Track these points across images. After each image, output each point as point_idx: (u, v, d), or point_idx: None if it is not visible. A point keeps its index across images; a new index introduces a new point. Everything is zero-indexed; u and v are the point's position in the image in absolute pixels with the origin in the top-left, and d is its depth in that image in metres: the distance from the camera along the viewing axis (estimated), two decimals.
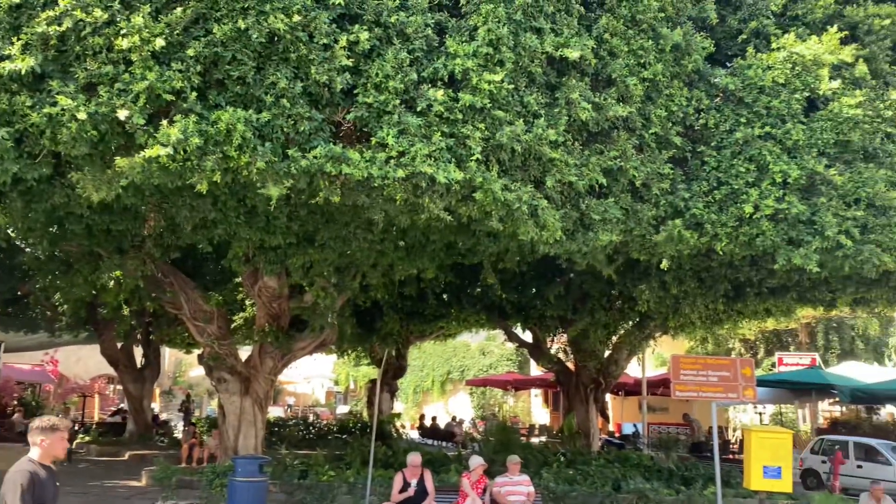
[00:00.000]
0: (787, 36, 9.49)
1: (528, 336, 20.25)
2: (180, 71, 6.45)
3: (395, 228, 9.48)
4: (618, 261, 10.96)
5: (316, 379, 49.46)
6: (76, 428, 22.23)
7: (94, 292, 14.20)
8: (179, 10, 6.49)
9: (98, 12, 6.24)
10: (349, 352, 24.54)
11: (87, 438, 21.27)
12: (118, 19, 6.32)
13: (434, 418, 27.30)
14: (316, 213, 9.01)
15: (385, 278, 12.51)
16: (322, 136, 6.98)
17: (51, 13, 6.18)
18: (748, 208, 9.01)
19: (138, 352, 23.34)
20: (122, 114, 6.19)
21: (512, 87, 7.70)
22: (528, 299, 16.73)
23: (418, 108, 7.30)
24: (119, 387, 27.23)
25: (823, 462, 17.41)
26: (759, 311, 16.01)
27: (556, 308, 16.27)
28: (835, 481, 16.20)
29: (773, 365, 27.92)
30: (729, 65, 9.68)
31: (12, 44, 6.16)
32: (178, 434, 21.21)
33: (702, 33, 9.48)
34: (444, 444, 23.29)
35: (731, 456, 21.50)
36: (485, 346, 37.41)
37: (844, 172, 9.23)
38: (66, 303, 16.25)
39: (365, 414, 28.49)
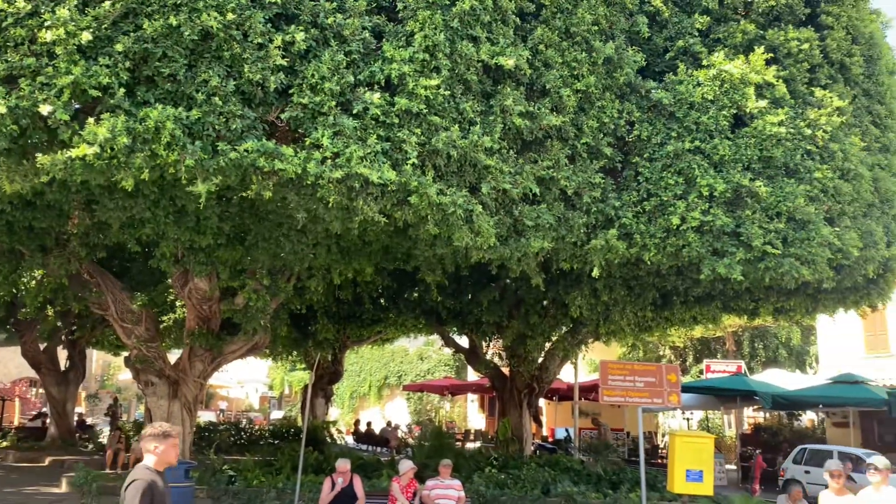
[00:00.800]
0: (717, 54, 9.85)
1: (465, 341, 20.37)
2: (108, 66, 6.29)
3: (328, 231, 9.42)
4: (552, 268, 11.14)
5: (250, 383, 48.61)
6: None
7: (14, 291, 13.64)
8: (108, 3, 6.34)
9: (21, 3, 6.06)
10: (284, 356, 24.21)
11: (5, 444, 20.38)
12: (42, 11, 6.14)
13: (369, 424, 27.15)
14: (247, 211, 8.89)
15: (321, 282, 12.41)
16: (254, 135, 6.89)
17: None
18: (675, 220, 9.31)
19: (63, 354, 22.52)
20: (44, 109, 6.00)
21: (448, 93, 7.77)
22: (465, 305, 16.85)
23: (354, 111, 7.29)
24: (41, 390, 26.21)
25: (807, 472, 17.00)
26: (687, 319, 16.51)
27: (491, 314, 16.42)
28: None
29: (702, 372, 28.76)
30: (659, 81, 9.96)
31: None
32: (104, 439, 20.51)
33: (633, 47, 9.75)
34: (378, 449, 23.18)
35: (659, 460, 22.07)
36: (423, 352, 37.45)
37: (768, 186, 9.61)
38: None
39: (299, 419, 28.13)
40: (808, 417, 28.03)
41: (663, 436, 27.44)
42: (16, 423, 26.64)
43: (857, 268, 10.59)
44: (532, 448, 19.36)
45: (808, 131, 9.85)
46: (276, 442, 20.44)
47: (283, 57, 6.96)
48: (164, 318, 15.13)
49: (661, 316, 16.12)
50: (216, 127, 6.66)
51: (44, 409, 25.92)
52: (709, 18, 10.17)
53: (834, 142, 10.14)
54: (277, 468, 13.47)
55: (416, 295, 17.14)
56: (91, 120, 6.16)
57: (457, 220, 7.89)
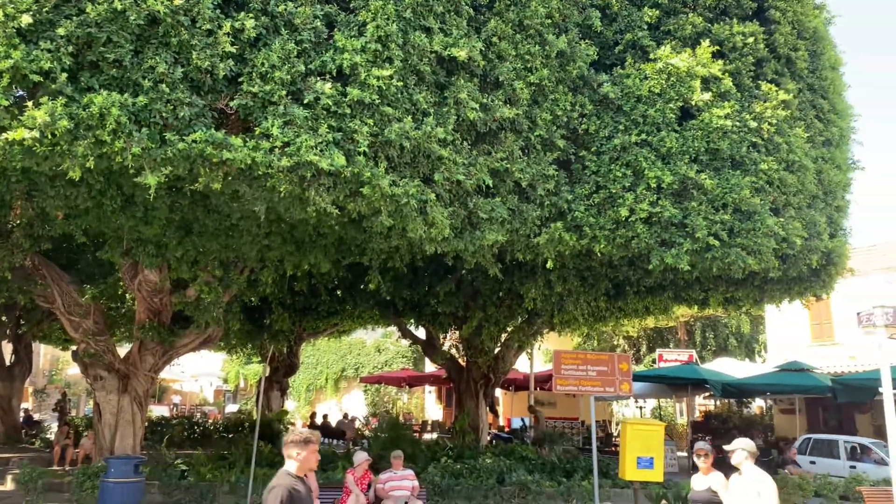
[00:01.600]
0: (664, 48, 10.00)
1: (422, 333, 20.40)
2: (49, 51, 6.12)
3: (282, 222, 9.34)
4: (507, 259, 11.23)
5: (204, 377, 47.90)
6: None
7: None
8: None
9: None
10: (238, 349, 23.93)
11: None
12: None
13: (325, 416, 27.02)
14: (198, 202, 8.75)
15: (275, 273, 12.29)
16: (203, 123, 6.78)
17: None
18: (624, 211, 9.45)
19: (8, 348, 21.90)
20: None
21: (401, 84, 7.74)
22: (421, 296, 16.85)
23: (305, 101, 7.22)
24: None
25: (812, 463, 17.08)
26: (639, 309, 16.82)
27: (448, 305, 16.47)
28: None
29: (655, 361, 29.31)
30: (609, 73, 10.08)
31: None
32: (52, 435, 20.04)
33: (586, 41, 9.84)
34: (335, 441, 23.09)
35: (613, 448, 22.44)
36: (380, 343, 37.37)
37: (714, 178, 9.81)
38: None
39: (254, 413, 27.84)
40: (756, 405, 28.81)
41: (617, 424, 27.90)
42: None
43: (801, 258, 10.90)
44: (488, 438, 19.51)
45: (754, 124, 10.08)
46: (230, 436, 20.21)
47: (233, 44, 6.85)
48: (114, 310, 14.77)
49: (614, 306, 16.39)
50: (163, 114, 6.54)
51: None
52: (658, 12, 10.32)
53: (779, 135, 10.40)
54: (231, 462, 13.35)
55: (371, 286, 17.07)
56: (30, 104, 5.99)
57: (410, 212, 7.89)
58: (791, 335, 26.13)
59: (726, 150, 9.88)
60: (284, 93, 7.07)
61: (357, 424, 26.37)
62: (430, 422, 29.07)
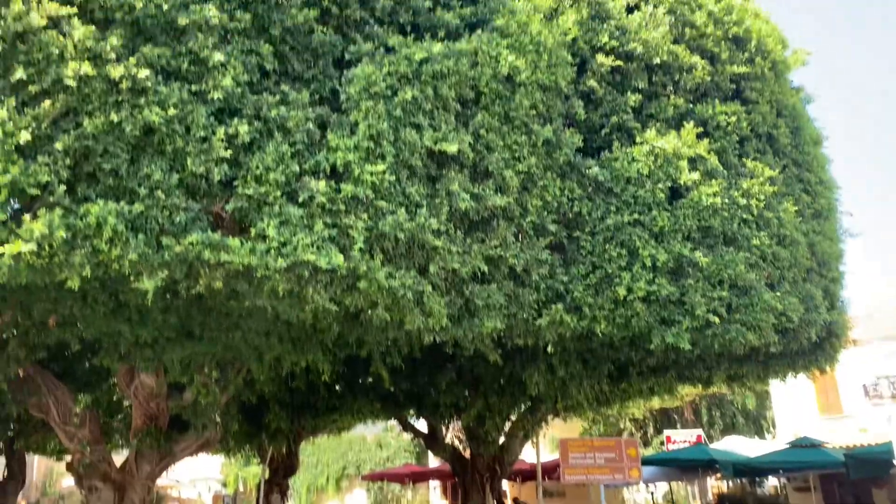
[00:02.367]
0: (649, 131, 10.28)
1: (423, 425, 19.99)
2: (47, 164, 6.24)
3: (280, 321, 9.29)
4: (506, 345, 11.14)
5: (202, 482, 46.52)
6: None
7: None
8: (48, 102, 6.32)
9: None
10: (237, 451, 23.34)
11: None
12: None
13: None
14: (194, 304, 8.73)
15: (272, 372, 12.15)
16: (199, 226, 6.85)
17: None
18: (622, 291, 9.47)
19: (0, 462, 21.30)
20: None
21: (394, 178, 7.88)
22: (421, 387, 16.61)
23: (300, 200, 7.32)
24: None
25: None
26: (644, 391, 16.54)
27: (449, 395, 16.22)
28: None
29: (663, 443, 28.68)
30: (597, 157, 10.31)
31: None
32: None
33: (571, 129, 10.11)
34: None
35: None
36: (381, 439, 36.56)
37: (708, 255, 9.89)
38: None
39: None
40: (770, 483, 28.01)
41: None
42: None
43: (801, 331, 10.87)
44: None
45: (743, 201, 10.25)
46: None
47: (227, 149, 7.00)
48: (109, 418, 14.49)
49: (618, 388, 16.13)
50: (159, 220, 6.61)
51: None
52: (640, 96, 10.66)
53: (768, 210, 10.56)
54: None
55: (370, 380, 16.85)
56: (27, 217, 6.05)
57: (407, 303, 7.89)
58: (798, 409, 25.72)
59: (718, 227, 10.01)
60: (279, 193, 7.18)
61: None
62: None
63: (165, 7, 6.89)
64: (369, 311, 7.98)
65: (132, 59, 6.69)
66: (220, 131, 6.99)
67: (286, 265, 6.90)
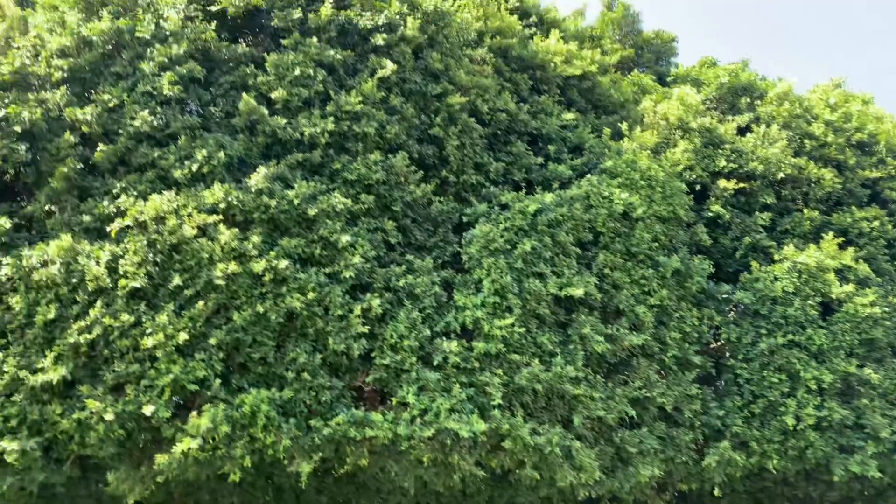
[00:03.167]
0: (787, 247, 9.88)
1: None
2: (203, 360, 6.72)
3: (428, 489, 9.16)
4: (668, 491, 10.37)
5: None
6: None
7: None
8: (201, 303, 6.90)
9: (125, 316, 6.66)
10: None
11: None
12: (144, 320, 6.72)
13: None
14: (345, 481, 8.79)
15: None
16: (344, 403, 7.08)
17: (82, 323, 6.60)
18: (790, 420, 8.76)
19: None
20: (147, 409, 6.36)
21: (523, 329, 7.89)
22: None
23: (435, 363, 7.44)
24: None
25: None
26: None
27: None
28: None
29: None
30: (734, 281, 9.95)
31: (45, 356, 6.52)
32: None
33: (699, 256, 9.86)
34: None
35: None
36: None
37: (879, 371, 9.06)
38: None
39: None
40: None
41: None
42: None
43: None
44: None
45: None
46: None
47: (363, 324, 7.30)
48: None
49: None
50: (307, 402, 6.89)
51: None
52: (770, 213, 10.36)
53: None
54: None
55: None
56: (193, 413, 6.46)
57: (556, 459, 7.62)
58: None
59: (882, 339, 9.24)
60: (415, 359, 7.34)
61: None
62: None
63: (297, 202, 7.52)
64: (517, 471, 7.76)
65: (272, 253, 7.26)
66: (357, 308, 7.33)
67: (430, 434, 6.92)
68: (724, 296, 9.71)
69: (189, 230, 7.10)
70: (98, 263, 6.81)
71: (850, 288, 9.33)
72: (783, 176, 10.47)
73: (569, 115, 10.26)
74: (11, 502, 6.96)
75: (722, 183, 10.36)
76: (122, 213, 7.20)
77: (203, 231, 7.29)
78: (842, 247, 9.78)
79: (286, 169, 7.80)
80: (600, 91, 11.36)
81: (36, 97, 7.68)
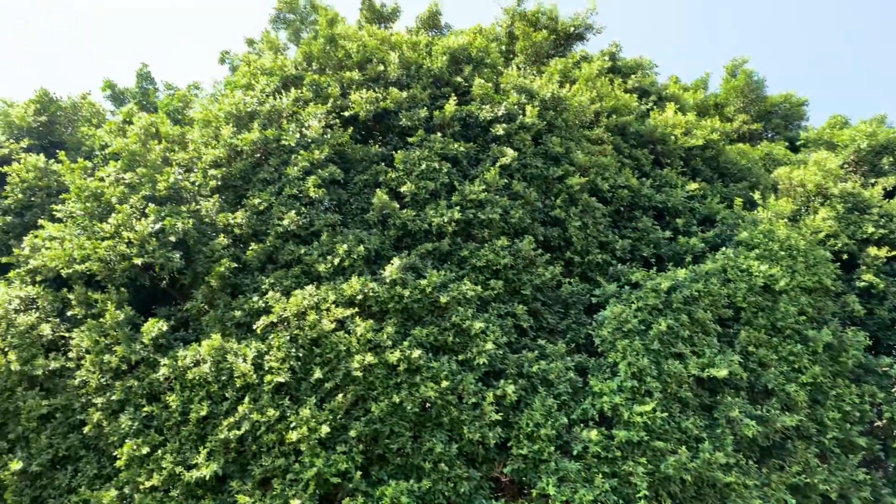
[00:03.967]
0: None
1: None
2: (344, 453, 6.82)
3: None
4: None
5: None
6: None
7: None
8: (340, 396, 7.07)
9: (271, 411, 6.91)
10: None
11: None
12: (288, 414, 6.94)
13: None
14: None
15: None
16: (482, 494, 6.94)
17: (232, 419, 6.90)
18: None
19: None
20: (294, 503, 6.49)
21: (665, 414, 7.54)
22: None
23: (574, 452, 7.20)
24: None
25: None
26: None
27: None
28: None
29: None
30: (895, 357, 9.14)
31: (198, 452, 6.84)
32: None
33: (853, 328, 9.17)
34: None
35: None
36: None
37: None
38: None
39: None
40: None
41: None
42: None
43: None
44: None
45: None
46: None
47: (497, 411, 7.22)
48: None
49: None
50: (446, 493, 6.80)
51: None
52: None
53: None
54: None
55: None
56: None
57: None
58: None
59: None
60: (553, 448, 7.15)
61: None
62: None
63: (428, 290, 7.67)
64: None
65: (405, 343, 7.39)
66: (490, 395, 7.28)
67: None
68: (884, 370, 8.91)
69: (328, 324, 7.36)
70: (245, 360, 7.16)
71: None
72: None
73: (693, 185, 10.04)
74: None
75: (872, 251, 9.68)
76: (267, 310, 7.60)
77: (341, 324, 7.55)
78: None
79: (417, 259, 8.03)
80: (725, 158, 11.10)
81: (188, 208, 8.35)
